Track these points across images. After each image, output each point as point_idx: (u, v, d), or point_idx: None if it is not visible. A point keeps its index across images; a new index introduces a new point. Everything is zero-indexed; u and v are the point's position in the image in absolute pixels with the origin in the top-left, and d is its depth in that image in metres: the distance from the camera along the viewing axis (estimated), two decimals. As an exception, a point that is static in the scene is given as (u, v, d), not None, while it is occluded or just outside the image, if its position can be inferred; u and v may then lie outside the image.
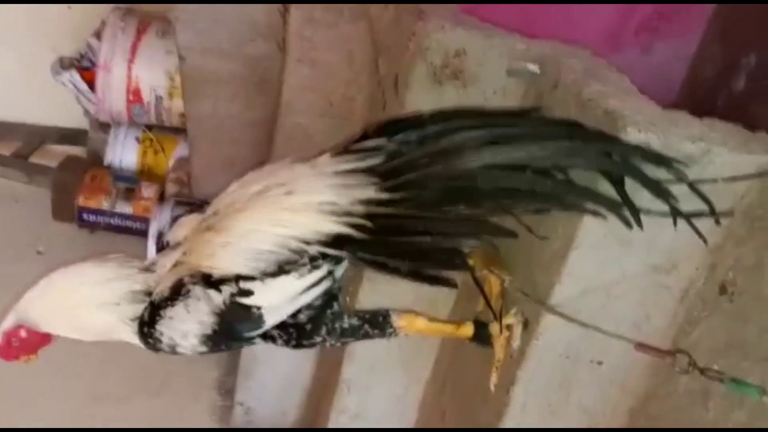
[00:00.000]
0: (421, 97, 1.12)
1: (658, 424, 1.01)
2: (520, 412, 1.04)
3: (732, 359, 0.89)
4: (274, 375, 1.72)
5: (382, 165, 0.92)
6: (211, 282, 0.94)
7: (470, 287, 1.19)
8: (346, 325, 1.01)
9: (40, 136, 2.47)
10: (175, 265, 0.97)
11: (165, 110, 2.23)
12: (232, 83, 1.67)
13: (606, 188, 0.87)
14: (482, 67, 1.11)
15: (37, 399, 1.77)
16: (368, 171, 0.92)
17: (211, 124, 1.81)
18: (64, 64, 2.17)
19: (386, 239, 0.91)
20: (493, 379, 1.07)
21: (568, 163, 0.86)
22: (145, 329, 0.96)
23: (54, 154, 2.47)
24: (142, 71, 2.17)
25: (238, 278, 0.93)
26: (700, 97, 1.85)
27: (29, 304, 0.98)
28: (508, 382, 1.03)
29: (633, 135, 0.85)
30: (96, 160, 2.39)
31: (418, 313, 1.05)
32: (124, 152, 2.34)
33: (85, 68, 2.20)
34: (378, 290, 1.28)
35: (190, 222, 1.05)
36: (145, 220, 2.20)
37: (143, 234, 2.18)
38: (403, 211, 0.90)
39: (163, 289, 0.96)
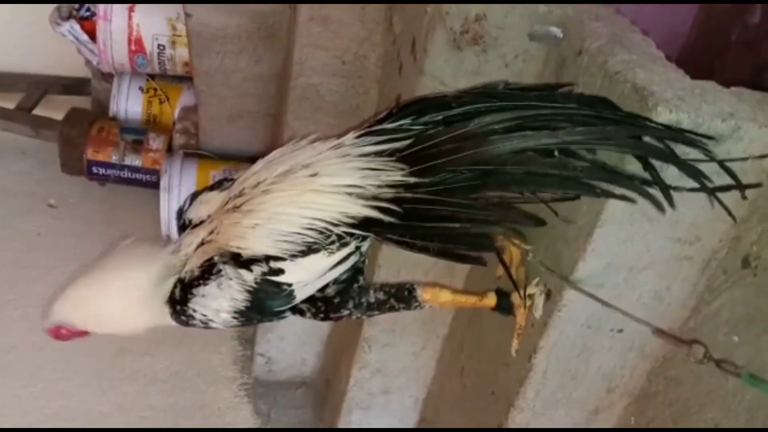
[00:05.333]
0: (440, 64, 1.09)
1: (677, 387, 1.04)
2: (542, 377, 1.07)
3: (753, 332, 0.91)
4: (293, 328, 1.75)
5: (409, 148, 0.91)
6: (241, 262, 0.95)
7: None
8: (372, 300, 1.03)
9: (42, 86, 2.42)
10: (202, 243, 0.98)
11: (168, 59, 2.18)
12: (240, 38, 1.62)
13: (634, 169, 0.86)
14: (503, 32, 1.07)
15: (63, 353, 1.81)
16: (395, 154, 0.91)
17: (218, 78, 1.77)
18: (62, 14, 2.10)
19: (414, 223, 0.91)
20: (515, 345, 1.09)
21: (598, 146, 0.85)
22: (178, 307, 0.98)
23: (58, 104, 2.43)
24: (143, 20, 2.11)
25: (268, 258, 0.94)
26: (714, 30, 1.80)
27: (61, 309, 1.00)
28: (530, 350, 1.06)
29: (664, 115, 0.83)
30: (101, 109, 2.36)
31: (443, 285, 1.06)
32: (128, 103, 2.30)
33: (85, 18, 2.14)
34: (397, 254, 1.29)
35: (211, 199, 1.05)
36: (155, 172, 2.19)
37: (153, 186, 2.18)
38: (431, 196, 0.89)
39: (192, 267, 0.97)
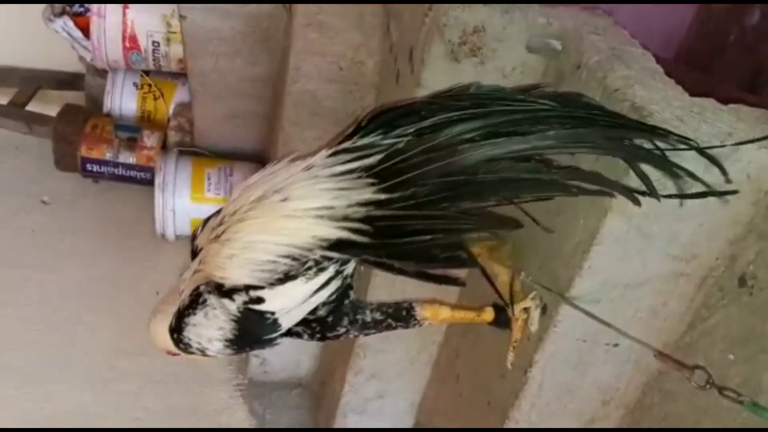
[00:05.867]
0: (438, 76, 1.08)
1: (672, 401, 1.05)
2: (537, 390, 1.08)
3: (749, 351, 0.91)
4: (288, 330, 1.75)
5: (379, 164, 0.87)
6: (223, 291, 0.93)
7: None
8: (368, 319, 1.01)
9: (36, 81, 2.40)
10: (195, 272, 0.98)
11: (163, 56, 2.16)
12: (235, 40, 1.61)
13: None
14: (502, 44, 1.07)
15: (58, 353, 1.81)
16: (365, 171, 0.88)
17: (213, 79, 1.76)
18: (55, 11, 2.08)
19: (387, 241, 0.87)
20: (510, 357, 1.09)
21: (572, 150, 0.84)
22: (175, 335, 0.97)
23: (52, 99, 2.41)
24: (137, 16, 2.09)
25: (248, 288, 0.92)
26: (712, 32, 1.80)
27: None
28: (526, 364, 1.06)
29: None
30: (95, 105, 2.34)
31: (441, 302, 1.05)
32: (123, 99, 2.28)
33: (79, 14, 2.11)
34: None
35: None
36: (150, 170, 2.18)
37: (148, 183, 2.17)
38: (402, 211, 0.86)
39: (184, 297, 0.96)
